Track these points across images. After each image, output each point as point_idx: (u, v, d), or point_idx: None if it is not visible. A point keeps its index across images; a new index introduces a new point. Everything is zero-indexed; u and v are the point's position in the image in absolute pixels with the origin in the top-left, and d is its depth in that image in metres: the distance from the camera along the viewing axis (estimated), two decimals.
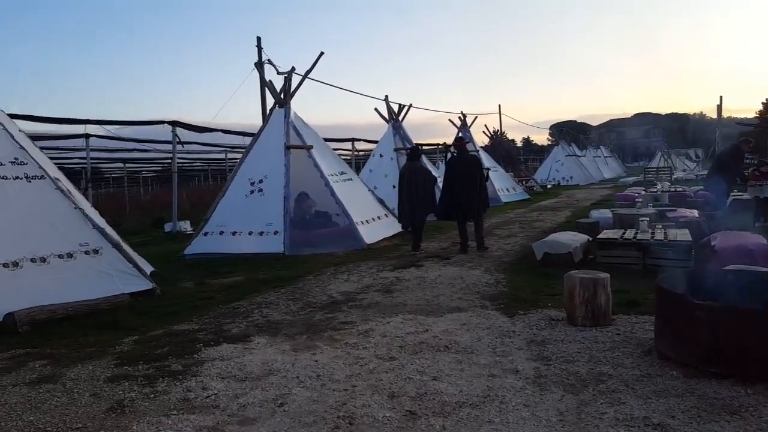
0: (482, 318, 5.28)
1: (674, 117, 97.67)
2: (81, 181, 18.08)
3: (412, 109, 16.50)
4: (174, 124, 15.38)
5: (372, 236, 10.63)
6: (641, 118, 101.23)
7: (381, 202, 12.16)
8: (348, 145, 23.84)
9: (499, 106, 31.69)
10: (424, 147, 22.35)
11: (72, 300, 6.19)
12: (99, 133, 16.14)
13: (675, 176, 26.78)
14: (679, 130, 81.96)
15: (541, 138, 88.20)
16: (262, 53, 18.67)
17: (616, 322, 4.92)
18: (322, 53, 11.45)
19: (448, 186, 9.47)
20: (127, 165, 30.18)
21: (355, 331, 5.00)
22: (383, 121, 16.01)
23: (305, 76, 11.37)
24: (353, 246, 10.18)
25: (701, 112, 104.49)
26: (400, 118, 16.04)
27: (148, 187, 37.70)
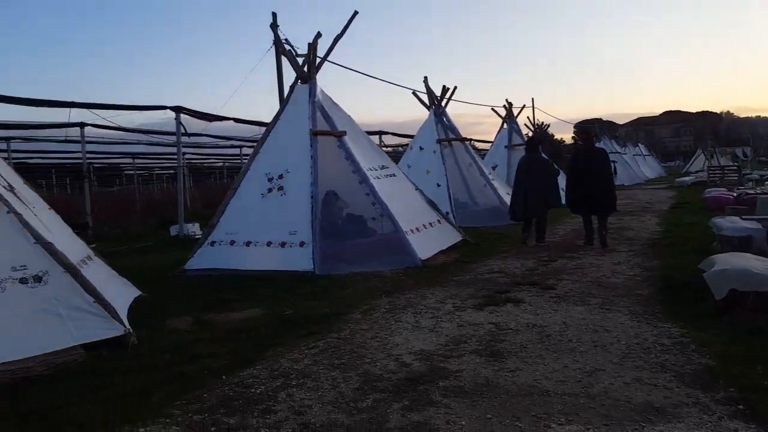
0: None
1: (705, 115, 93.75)
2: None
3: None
4: (178, 110, 13.11)
5: (426, 250, 8.16)
6: (670, 116, 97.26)
7: (432, 204, 9.67)
8: (374, 140, 21.44)
9: (533, 99, 28.82)
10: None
11: None
12: (94, 122, 13.98)
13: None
14: (711, 129, 78.48)
15: (564, 136, 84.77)
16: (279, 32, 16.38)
17: None
18: (356, 12, 9.00)
19: (574, 179, 9.10)
20: (137, 161, 28.10)
21: None
22: (414, 117, 13.61)
23: (336, 40, 8.91)
24: (403, 263, 7.73)
25: (728, 111, 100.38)
26: (443, 103, 13.51)
27: (163, 185, 35.64)
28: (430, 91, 13.47)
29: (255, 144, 18.66)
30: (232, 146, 21.10)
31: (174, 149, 19.32)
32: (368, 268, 7.54)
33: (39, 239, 4.67)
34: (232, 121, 15.06)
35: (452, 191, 12.28)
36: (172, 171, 32.68)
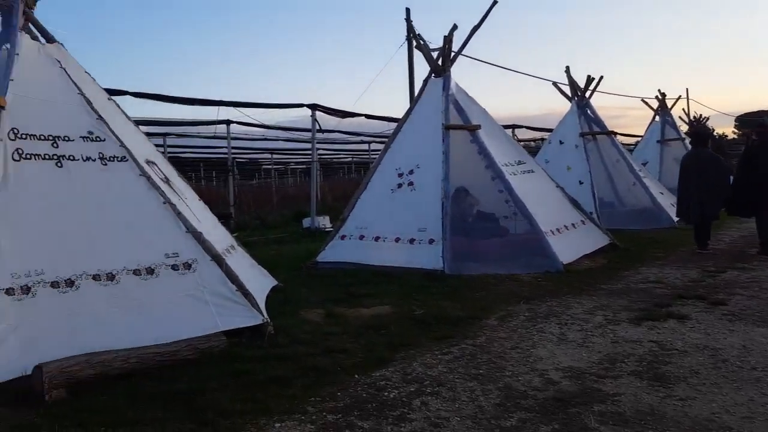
0: None
1: None
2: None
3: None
4: (314, 107, 13.60)
5: (568, 253, 7.52)
6: None
7: (575, 203, 8.96)
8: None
9: (687, 90, 25.78)
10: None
11: (144, 339, 4.07)
12: (238, 119, 14.98)
13: None
14: None
15: (725, 130, 75.12)
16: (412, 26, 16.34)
17: None
18: (495, 1, 8.56)
19: (745, 177, 8.17)
20: (275, 156, 29.90)
21: None
22: (547, 109, 12.74)
23: (473, 32, 8.57)
24: (542, 266, 7.19)
25: None
26: (587, 94, 12.51)
27: (297, 179, 37.66)
28: (572, 82, 12.57)
29: (383, 139, 18.94)
30: (362, 141, 21.58)
31: (307, 145, 20.29)
32: (502, 270, 7.12)
33: (190, 228, 4.90)
34: (363, 117, 15.40)
35: (596, 189, 11.35)
36: (305, 166, 34.38)
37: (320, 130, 14.82)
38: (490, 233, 8.68)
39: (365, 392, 3.51)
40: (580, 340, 4.39)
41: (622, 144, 16.71)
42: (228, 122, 14.99)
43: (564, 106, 12.86)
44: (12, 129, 4.37)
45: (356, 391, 3.53)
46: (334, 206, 18.80)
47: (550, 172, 11.33)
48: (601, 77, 12.54)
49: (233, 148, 18.37)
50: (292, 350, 4.33)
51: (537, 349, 4.27)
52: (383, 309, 5.60)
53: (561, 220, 8.21)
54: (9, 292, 3.76)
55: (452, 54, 8.74)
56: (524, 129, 19.42)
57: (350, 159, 34.44)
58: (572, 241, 7.93)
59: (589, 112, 12.43)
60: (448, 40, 8.71)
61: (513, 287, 6.37)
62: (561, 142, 12.34)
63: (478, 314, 5.24)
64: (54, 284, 4.01)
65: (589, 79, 12.45)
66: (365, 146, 23.82)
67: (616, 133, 13.55)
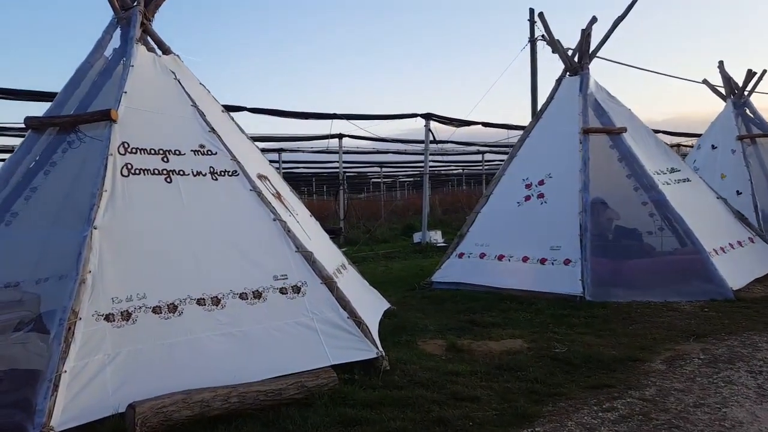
0: None
1: None
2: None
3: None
4: (428, 117, 13.05)
5: (737, 276, 6.23)
6: None
7: (741, 217, 7.50)
8: None
9: None
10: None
11: (247, 372, 3.62)
12: (351, 133, 14.84)
13: None
14: None
15: None
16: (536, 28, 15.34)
17: None
18: None
19: None
20: (384, 169, 29.84)
21: None
22: (685, 112, 11.06)
23: (616, 24, 7.53)
24: (706, 293, 5.98)
25: None
26: (746, 92, 10.74)
27: (405, 192, 37.46)
28: (727, 79, 10.86)
29: (501, 148, 17.93)
30: (477, 152, 20.70)
31: (417, 157, 19.79)
32: (655, 297, 6.02)
33: (300, 248, 4.44)
34: (479, 126, 14.57)
35: (758, 200, 9.63)
36: (413, 179, 33.97)
37: (435, 141, 14.25)
38: (636, 252, 7.49)
39: None
40: None
41: None
42: (340, 136, 14.91)
43: (713, 107, 11.23)
44: (122, 143, 4.18)
45: None
46: (444, 219, 18.11)
47: None
48: (765, 71, 10.71)
49: (343, 162, 18.36)
50: (411, 394, 3.66)
51: (731, 408, 3.25)
52: (515, 343, 4.78)
53: (725, 238, 6.89)
54: (109, 318, 3.47)
55: (590, 49, 7.76)
56: (662, 134, 17.37)
57: (460, 171, 33.50)
58: (740, 263, 6.61)
59: (748, 112, 10.66)
60: (586, 33, 7.74)
61: (674, 319, 5.25)
62: (713, 147, 10.67)
63: (637, 355, 4.25)
64: (156, 309, 3.68)
65: (750, 75, 10.67)
66: (478, 157, 22.86)
67: None
